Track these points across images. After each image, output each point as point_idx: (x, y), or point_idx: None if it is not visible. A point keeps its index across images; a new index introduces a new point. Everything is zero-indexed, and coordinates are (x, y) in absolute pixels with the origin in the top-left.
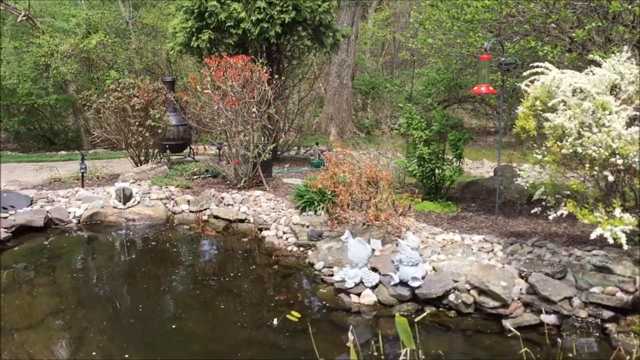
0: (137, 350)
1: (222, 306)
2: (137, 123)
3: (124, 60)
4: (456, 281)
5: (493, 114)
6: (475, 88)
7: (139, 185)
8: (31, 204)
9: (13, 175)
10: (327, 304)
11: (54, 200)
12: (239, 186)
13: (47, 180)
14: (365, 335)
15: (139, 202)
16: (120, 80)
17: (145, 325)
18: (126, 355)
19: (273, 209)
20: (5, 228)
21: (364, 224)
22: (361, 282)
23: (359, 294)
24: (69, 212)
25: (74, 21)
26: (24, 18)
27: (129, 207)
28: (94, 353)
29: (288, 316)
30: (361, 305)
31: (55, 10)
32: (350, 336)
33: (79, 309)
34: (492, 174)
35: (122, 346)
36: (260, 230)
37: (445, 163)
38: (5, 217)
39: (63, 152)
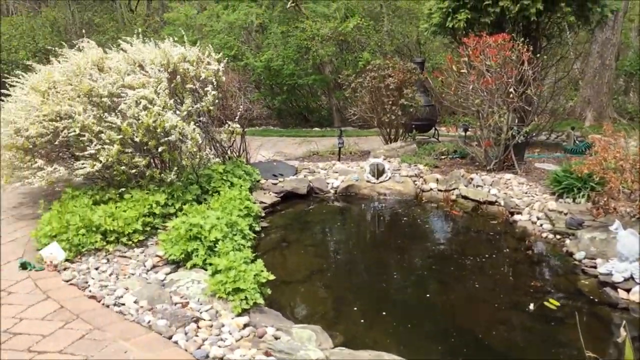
0: (392, 315)
1: (476, 285)
2: (390, 102)
3: (376, 42)
4: None
5: None
6: None
7: (389, 162)
8: (296, 174)
9: (277, 148)
10: (590, 297)
11: (314, 171)
12: (488, 168)
13: (306, 153)
14: (636, 334)
15: (390, 178)
16: (376, 62)
17: (399, 293)
18: (384, 313)
19: (526, 193)
20: (275, 193)
21: (632, 216)
22: (631, 277)
23: (628, 290)
24: (327, 183)
25: (334, 6)
26: (293, 5)
27: (380, 182)
28: (355, 309)
29: (545, 303)
30: (630, 302)
31: None
32: (623, 332)
33: (337, 270)
34: None
35: (379, 309)
36: (512, 214)
37: None
38: (276, 184)
39: (317, 129)
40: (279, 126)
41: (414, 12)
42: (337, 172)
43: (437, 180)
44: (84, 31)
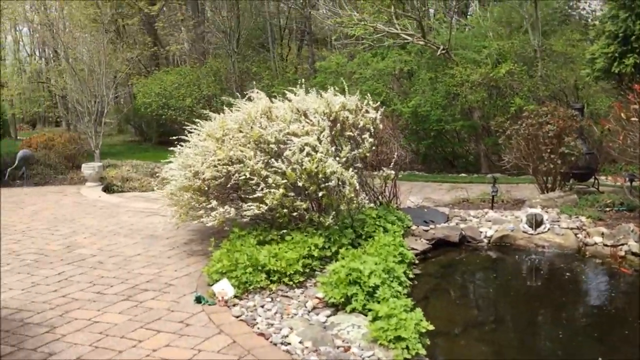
0: None
1: None
2: (548, 150)
3: (529, 88)
4: None
5: None
6: None
7: (547, 212)
8: (447, 221)
9: (424, 193)
10: None
11: (465, 219)
12: None
13: (455, 200)
14: None
15: (548, 230)
16: (530, 108)
17: (564, 354)
18: None
19: None
20: (427, 240)
21: None
22: None
23: None
24: (480, 232)
25: (486, 52)
26: (443, 52)
27: (538, 234)
28: None
29: None
30: None
31: (468, 42)
32: None
33: (495, 324)
34: None
35: None
36: None
37: None
38: (427, 230)
39: (463, 175)
40: (424, 171)
41: (570, 56)
42: (490, 221)
43: (603, 234)
44: (242, 78)
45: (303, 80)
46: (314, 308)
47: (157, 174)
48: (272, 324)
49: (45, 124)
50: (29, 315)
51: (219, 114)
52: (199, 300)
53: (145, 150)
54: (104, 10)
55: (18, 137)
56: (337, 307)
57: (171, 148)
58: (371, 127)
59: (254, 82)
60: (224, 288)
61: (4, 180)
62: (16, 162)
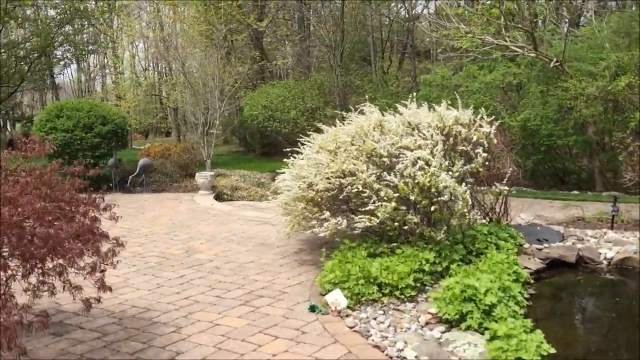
0: None
1: None
2: None
3: None
4: None
5: None
6: None
7: None
8: (562, 240)
9: (533, 210)
10: None
11: (582, 239)
12: None
13: (569, 218)
14: None
15: None
16: None
17: None
18: None
19: None
20: (540, 259)
21: None
22: None
23: None
24: (599, 253)
25: (603, 65)
26: (557, 64)
27: None
28: None
29: None
30: None
31: (583, 54)
32: None
33: (618, 350)
34: None
35: None
36: None
37: None
38: (540, 249)
39: (576, 192)
40: (532, 187)
41: None
42: (610, 242)
43: None
44: (345, 91)
45: (407, 93)
46: (427, 323)
47: (264, 184)
48: (386, 337)
49: (156, 134)
50: (156, 315)
51: (323, 126)
52: (312, 309)
53: (250, 161)
54: (219, 27)
55: (133, 147)
56: (450, 324)
57: (275, 159)
58: (484, 142)
59: (357, 95)
60: (337, 298)
61: (126, 187)
62: (137, 169)
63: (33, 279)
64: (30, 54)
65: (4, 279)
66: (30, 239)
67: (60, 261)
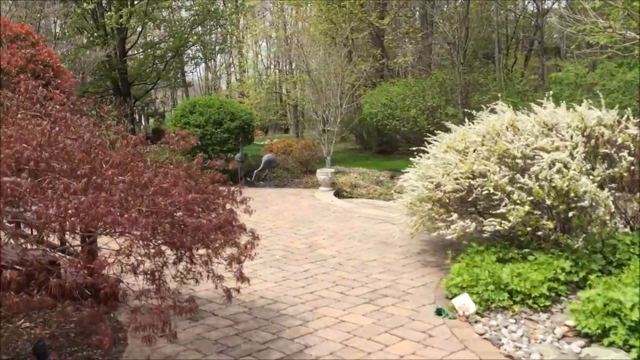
0: None
1: None
2: None
3: None
4: None
5: None
6: None
7: None
8: None
9: None
10: None
11: None
12: None
13: None
14: None
15: None
16: None
17: None
18: None
19: None
20: None
21: None
22: None
23: None
24: None
25: None
26: None
27: None
28: None
29: None
30: None
31: None
32: None
33: None
34: None
35: None
36: None
37: None
38: None
39: None
40: None
41: None
42: None
43: None
44: (468, 90)
45: (533, 91)
46: (564, 336)
47: (382, 182)
48: (519, 347)
49: (275, 130)
50: (284, 307)
51: (451, 125)
52: (439, 312)
53: (366, 159)
54: (344, 25)
55: (254, 142)
56: (590, 339)
57: (392, 157)
58: (630, 145)
59: (480, 94)
60: (465, 303)
61: (251, 181)
62: (261, 164)
63: (180, 266)
64: (166, 53)
65: (160, 265)
66: (181, 229)
67: (202, 251)
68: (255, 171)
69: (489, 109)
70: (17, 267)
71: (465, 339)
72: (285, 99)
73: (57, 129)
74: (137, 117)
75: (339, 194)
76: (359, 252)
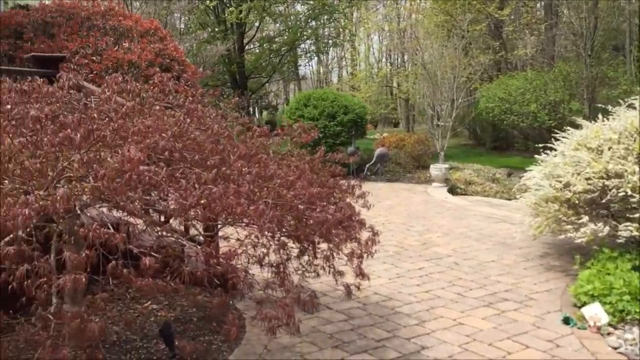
0: None
1: None
2: None
3: None
4: None
5: None
6: None
7: None
8: None
9: None
10: None
11: None
12: None
13: None
14: None
15: None
16: None
17: None
18: None
19: None
20: None
21: None
22: None
23: None
24: None
25: None
26: None
27: None
28: None
29: None
30: None
31: None
32: None
33: None
34: None
35: None
36: None
37: None
38: None
39: None
40: None
41: None
42: None
43: None
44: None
45: None
46: None
47: (498, 180)
48: None
49: (385, 124)
50: (399, 305)
51: (583, 121)
52: (567, 321)
53: (480, 155)
54: (461, 17)
55: (365, 136)
56: None
57: (508, 154)
58: None
59: (608, 88)
60: (597, 313)
61: (362, 175)
62: (374, 158)
63: (302, 260)
64: (281, 47)
65: (285, 257)
66: (305, 222)
67: (324, 245)
68: (368, 165)
69: (627, 104)
70: (154, 254)
71: (597, 352)
72: (396, 93)
73: (188, 120)
74: (251, 110)
75: (452, 190)
76: (475, 252)
